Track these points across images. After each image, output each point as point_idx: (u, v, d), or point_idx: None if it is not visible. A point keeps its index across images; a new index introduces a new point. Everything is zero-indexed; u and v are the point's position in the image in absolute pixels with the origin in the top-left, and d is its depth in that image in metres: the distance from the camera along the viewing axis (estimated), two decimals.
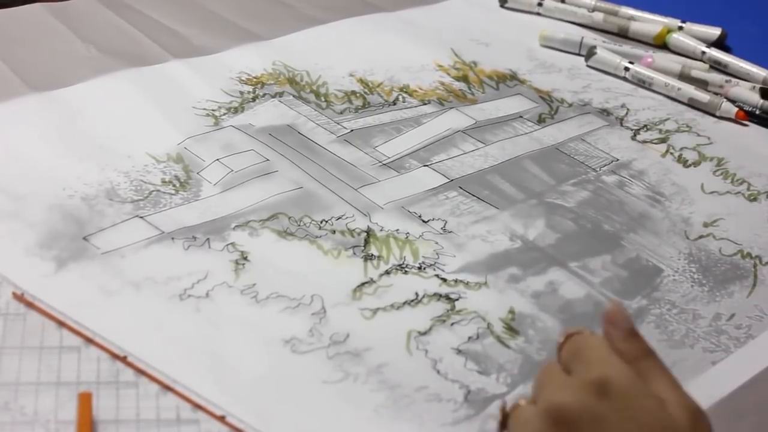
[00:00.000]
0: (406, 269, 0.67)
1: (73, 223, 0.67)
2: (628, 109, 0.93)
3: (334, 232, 0.70)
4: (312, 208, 0.72)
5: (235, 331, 0.60)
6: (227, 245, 0.67)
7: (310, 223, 0.70)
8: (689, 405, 0.46)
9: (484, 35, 1.05)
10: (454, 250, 0.70)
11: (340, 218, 0.71)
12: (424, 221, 0.72)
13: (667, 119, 0.92)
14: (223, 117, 0.82)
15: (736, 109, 0.92)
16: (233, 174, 0.74)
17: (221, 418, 0.54)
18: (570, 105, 0.92)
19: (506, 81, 0.96)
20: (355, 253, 0.68)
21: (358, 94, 0.89)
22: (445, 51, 1.00)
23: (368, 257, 0.68)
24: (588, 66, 1.01)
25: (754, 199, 0.81)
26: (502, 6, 1.13)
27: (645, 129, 0.89)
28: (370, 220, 0.71)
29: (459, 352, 0.61)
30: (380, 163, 0.79)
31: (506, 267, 0.69)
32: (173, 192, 0.71)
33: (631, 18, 1.09)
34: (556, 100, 0.93)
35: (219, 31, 0.97)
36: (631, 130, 0.90)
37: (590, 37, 1.05)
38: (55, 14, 0.95)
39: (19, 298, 0.60)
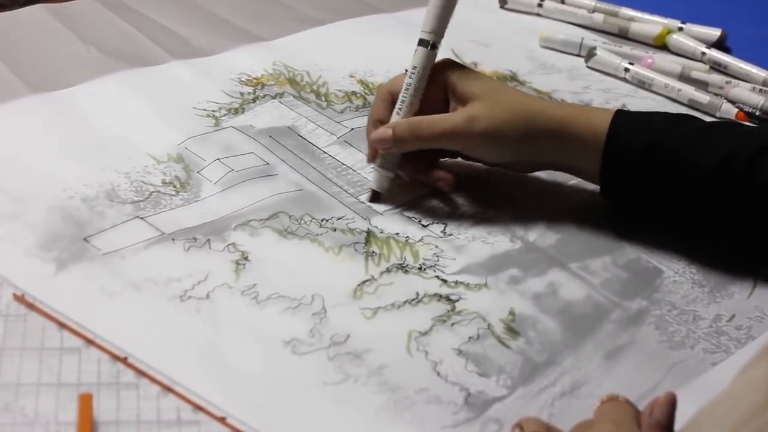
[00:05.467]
0: (407, 268, 0.67)
1: (74, 225, 0.67)
2: None
3: (335, 230, 0.70)
4: (312, 207, 0.72)
5: (235, 332, 0.60)
6: (228, 245, 0.67)
7: (311, 221, 0.70)
8: None
9: (485, 36, 1.05)
10: (455, 253, 0.70)
11: (340, 219, 0.71)
12: (423, 225, 0.72)
13: None
14: (223, 117, 0.82)
15: (736, 110, 0.92)
16: (233, 173, 0.74)
17: (222, 419, 0.54)
18: None
19: (506, 82, 0.96)
20: (356, 250, 0.68)
21: (358, 95, 0.89)
22: (445, 52, 0.99)
23: (369, 254, 0.68)
24: (588, 67, 1.01)
25: None
26: (502, 7, 1.13)
27: None
28: (370, 224, 0.71)
29: (459, 353, 0.61)
30: None
31: (506, 268, 0.69)
32: (173, 193, 0.71)
33: (631, 19, 1.09)
34: (556, 101, 0.93)
35: (219, 32, 0.97)
36: None
37: (590, 38, 1.05)
38: (56, 15, 0.95)
39: (20, 299, 0.60)
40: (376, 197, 0.74)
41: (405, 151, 0.72)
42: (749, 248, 0.71)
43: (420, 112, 0.72)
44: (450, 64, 0.74)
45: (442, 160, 0.76)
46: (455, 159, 0.76)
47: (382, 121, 0.73)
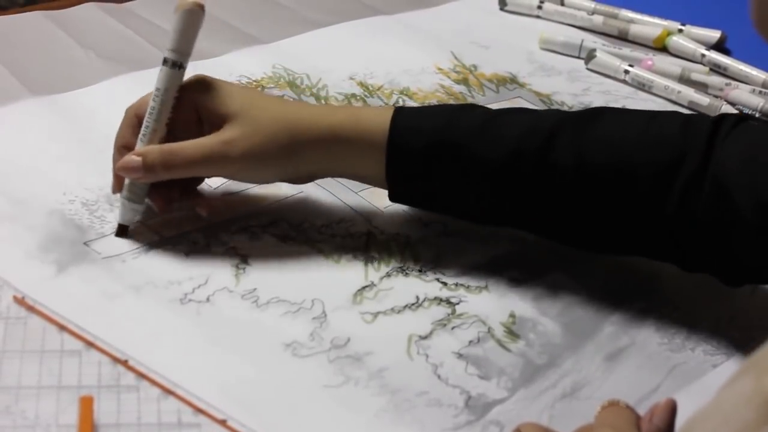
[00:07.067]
0: (407, 272, 0.67)
1: (74, 228, 0.67)
2: None
3: (334, 236, 0.70)
4: (312, 213, 0.72)
5: (236, 334, 0.60)
6: (228, 249, 0.67)
7: (310, 228, 0.70)
8: None
9: (484, 38, 1.05)
10: (455, 254, 0.69)
11: (340, 222, 0.71)
12: (424, 224, 0.72)
13: None
14: None
15: (736, 111, 0.92)
16: (232, 182, 0.74)
17: (222, 422, 0.54)
18: (570, 108, 0.92)
19: (506, 84, 0.96)
20: (355, 257, 0.68)
21: (358, 97, 0.89)
22: (445, 54, 1.00)
23: (369, 260, 0.68)
24: (588, 69, 1.01)
25: None
26: (502, 9, 1.13)
27: None
28: (371, 224, 0.71)
29: (460, 356, 0.61)
30: None
31: (507, 270, 0.69)
32: None
33: (631, 21, 1.09)
34: (556, 103, 0.93)
35: (219, 35, 0.96)
36: None
37: (590, 40, 1.05)
38: (55, 21, 0.95)
39: (20, 301, 0.60)
40: (122, 232, 0.66)
41: (157, 180, 0.65)
42: (553, 235, 0.68)
43: (171, 137, 0.65)
44: (199, 83, 0.66)
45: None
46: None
47: (129, 147, 0.65)
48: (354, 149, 0.66)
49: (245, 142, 0.64)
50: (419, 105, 0.89)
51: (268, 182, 0.70)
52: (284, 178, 0.69)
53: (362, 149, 0.66)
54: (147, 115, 0.65)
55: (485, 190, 0.66)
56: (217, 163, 0.65)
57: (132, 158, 0.64)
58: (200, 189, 0.71)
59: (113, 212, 0.69)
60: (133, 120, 0.66)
